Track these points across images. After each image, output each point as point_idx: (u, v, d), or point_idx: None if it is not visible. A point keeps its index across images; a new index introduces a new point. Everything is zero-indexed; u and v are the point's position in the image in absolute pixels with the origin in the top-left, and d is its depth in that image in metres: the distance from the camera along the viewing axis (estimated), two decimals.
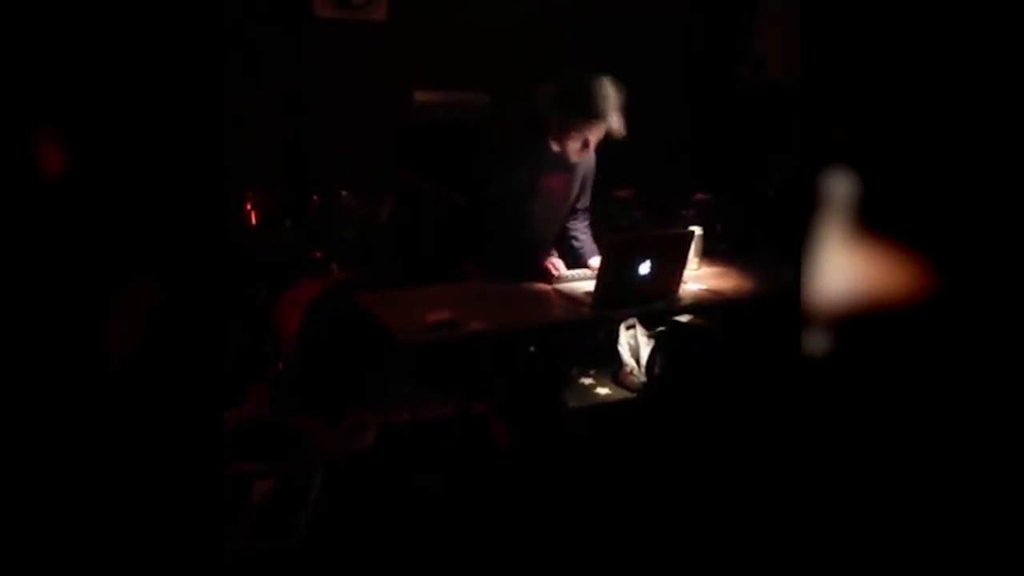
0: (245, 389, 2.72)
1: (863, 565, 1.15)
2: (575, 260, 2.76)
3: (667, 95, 4.15)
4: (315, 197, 3.29)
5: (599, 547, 2.18)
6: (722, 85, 4.36)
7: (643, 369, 3.20)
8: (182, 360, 1.32)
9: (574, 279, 2.58)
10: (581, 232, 2.81)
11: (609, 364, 3.31)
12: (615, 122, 2.48)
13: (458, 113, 3.69)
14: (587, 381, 3.32)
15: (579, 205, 2.81)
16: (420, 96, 3.72)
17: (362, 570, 2.05)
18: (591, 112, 2.45)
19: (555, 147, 2.57)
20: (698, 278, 2.65)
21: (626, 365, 3.25)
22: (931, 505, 1.11)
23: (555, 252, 2.70)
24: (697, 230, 2.69)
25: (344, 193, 3.30)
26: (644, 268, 2.34)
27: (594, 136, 2.52)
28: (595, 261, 2.67)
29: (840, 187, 1.11)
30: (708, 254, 2.84)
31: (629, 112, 2.52)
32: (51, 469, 1.22)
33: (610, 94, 2.47)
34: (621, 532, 2.25)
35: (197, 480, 1.31)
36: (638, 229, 3.58)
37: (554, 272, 2.58)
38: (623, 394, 3.22)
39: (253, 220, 3.19)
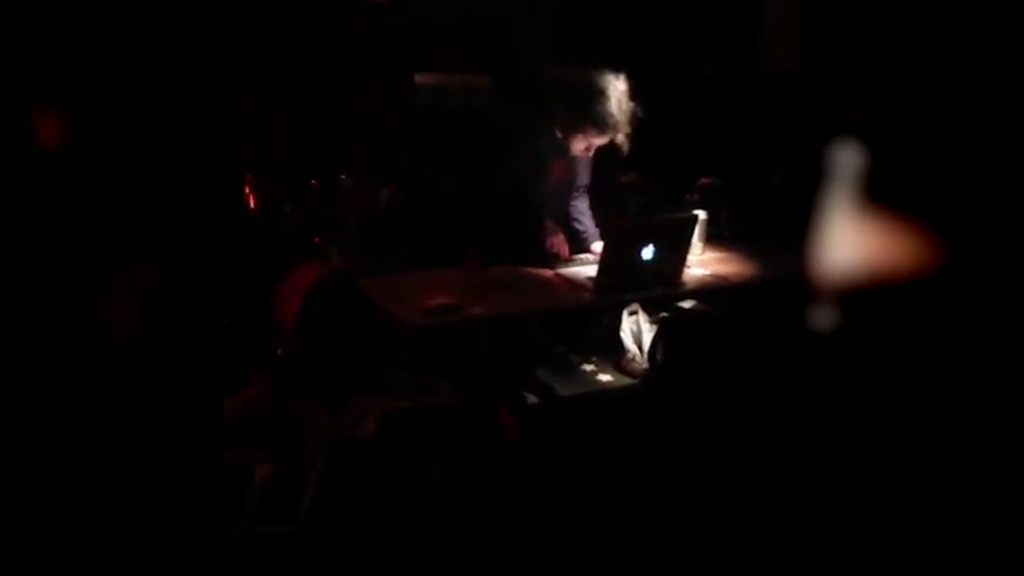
0: (246, 375, 2.71)
1: (875, 555, 1.13)
2: (578, 245, 2.74)
3: (672, 79, 4.11)
4: (314, 182, 3.27)
5: (600, 534, 2.17)
6: (728, 70, 4.32)
7: (645, 356, 3.18)
8: (181, 341, 1.30)
9: (576, 264, 2.56)
10: (584, 215, 2.79)
11: (611, 350, 3.30)
12: (624, 133, 2.45)
13: (458, 96, 3.66)
14: (589, 368, 3.30)
15: (579, 183, 2.78)
16: (421, 79, 3.69)
17: (362, 556, 2.04)
18: (601, 122, 2.43)
19: (559, 133, 2.55)
20: (702, 263, 2.63)
21: (628, 351, 3.23)
22: (940, 488, 1.10)
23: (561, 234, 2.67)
24: (701, 215, 2.66)
25: (344, 178, 3.28)
26: (647, 253, 2.32)
27: (600, 141, 2.49)
28: (598, 246, 2.64)
29: (848, 161, 1.09)
30: (712, 239, 2.82)
31: (634, 96, 2.49)
32: (48, 449, 1.21)
33: (624, 105, 2.42)
34: (622, 518, 2.24)
35: (197, 464, 1.30)
36: (642, 214, 3.55)
37: (562, 254, 2.56)
38: (625, 381, 3.21)
39: (252, 205, 3.17)
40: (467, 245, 2.73)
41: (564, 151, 2.59)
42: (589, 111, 2.42)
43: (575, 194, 2.79)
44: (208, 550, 1.33)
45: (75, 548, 1.23)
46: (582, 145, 2.51)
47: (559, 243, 2.59)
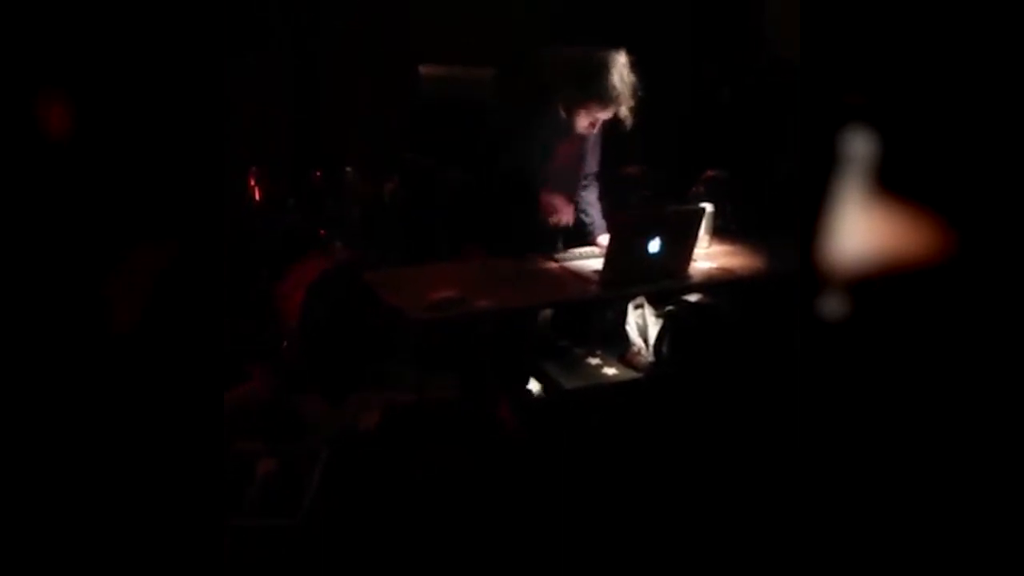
0: (249, 368, 2.70)
1: (881, 552, 1.12)
2: (584, 237, 2.72)
3: (677, 70, 4.08)
4: (318, 174, 3.26)
5: (603, 529, 2.16)
6: (730, 64, 4.28)
7: (651, 349, 3.16)
8: (182, 334, 1.29)
9: (582, 256, 2.54)
10: (592, 206, 2.76)
11: (616, 344, 3.28)
12: (627, 106, 2.43)
13: (463, 87, 3.64)
14: (594, 361, 3.28)
15: (587, 169, 2.75)
16: (424, 70, 3.67)
17: (364, 550, 2.03)
18: (605, 95, 2.41)
19: (563, 114, 2.52)
20: (708, 256, 2.61)
21: (634, 345, 3.21)
22: (946, 483, 1.08)
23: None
24: (708, 208, 2.63)
25: (348, 170, 3.27)
26: (654, 246, 2.30)
27: (604, 115, 2.47)
28: (604, 239, 2.62)
29: (856, 150, 1.07)
30: (718, 232, 2.79)
31: (639, 87, 2.47)
32: (48, 442, 1.20)
33: (626, 77, 2.42)
34: (626, 513, 2.23)
35: (198, 458, 1.29)
36: (644, 206, 3.52)
37: (558, 215, 2.54)
38: (630, 374, 3.19)
39: (257, 197, 3.16)
40: (467, 241, 2.72)
41: (569, 132, 2.56)
42: (591, 85, 2.41)
43: (584, 183, 2.75)
44: (209, 543, 1.32)
45: (75, 541, 1.22)
46: (586, 121, 2.49)
47: (560, 211, 2.56)
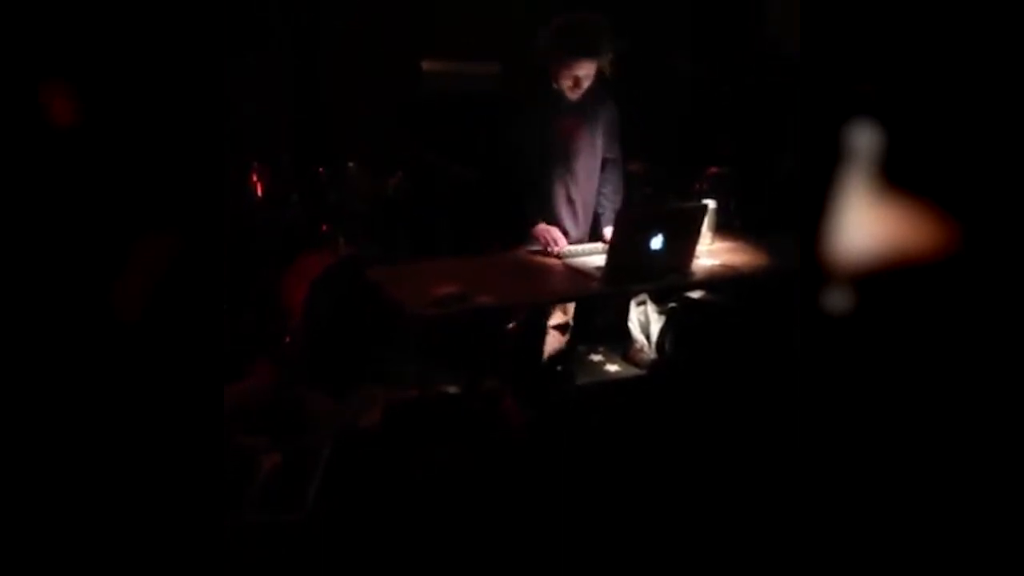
0: (252, 362, 2.70)
1: (885, 550, 1.12)
2: (594, 227, 2.71)
3: (680, 67, 4.07)
4: (321, 170, 3.26)
5: (604, 525, 2.16)
6: (734, 58, 4.27)
7: (653, 346, 3.16)
8: (182, 328, 1.29)
9: (584, 253, 2.54)
10: (608, 199, 2.73)
11: (619, 341, 3.28)
12: (604, 59, 2.46)
13: (467, 83, 3.63)
14: (596, 358, 3.29)
15: (608, 155, 2.73)
16: (428, 66, 3.66)
17: (368, 545, 2.03)
18: (577, 48, 2.44)
19: (554, 84, 2.55)
20: (711, 253, 2.60)
21: (636, 342, 3.21)
22: (954, 478, 1.08)
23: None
24: (711, 204, 2.63)
25: (351, 165, 3.27)
26: (656, 242, 2.30)
27: (583, 72, 2.48)
28: (609, 232, 2.61)
29: (861, 143, 1.07)
30: (721, 229, 2.78)
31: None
32: (48, 437, 1.20)
33: (599, 31, 2.45)
34: (627, 510, 2.23)
35: (197, 452, 1.30)
36: (647, 203, 3.52)
37: (552, 246, 2.55)
38: (633, 371, 3.19)
39: (259, 192, 3.16)
40: (493, 237, 2.72)
41: (570, 107, 2.57)
42: (564, 40, 2.46)
43: (605, 168, 2.73)
44: (209, 538, 1.32)
45: (76, 536, 1.22)
46: (569, 81, 2.50)
47: (552, 240, 2.58)
